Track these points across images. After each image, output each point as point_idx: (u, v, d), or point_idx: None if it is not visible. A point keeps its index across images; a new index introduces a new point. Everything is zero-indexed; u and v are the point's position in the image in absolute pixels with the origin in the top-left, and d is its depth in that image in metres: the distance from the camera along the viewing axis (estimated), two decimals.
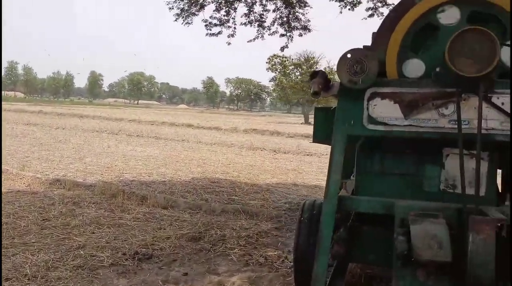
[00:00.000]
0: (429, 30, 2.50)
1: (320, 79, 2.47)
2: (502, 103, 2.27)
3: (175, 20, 8.03)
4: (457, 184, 2.51)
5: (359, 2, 7.79)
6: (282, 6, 8.13)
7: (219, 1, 8.13)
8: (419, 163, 2.56)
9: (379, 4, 7.64)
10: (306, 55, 43.33)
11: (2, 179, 6.87)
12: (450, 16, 2.45)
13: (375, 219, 2.62)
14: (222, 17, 8.18)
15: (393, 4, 7.04)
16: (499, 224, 2.12)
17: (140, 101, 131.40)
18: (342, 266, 2.95)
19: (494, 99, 2.28)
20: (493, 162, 2.48)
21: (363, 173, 2.68)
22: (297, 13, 8.02)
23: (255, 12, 8.33)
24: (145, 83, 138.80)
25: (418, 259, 2.19)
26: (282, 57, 42.78)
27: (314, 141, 2.92)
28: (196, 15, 7.98)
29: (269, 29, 8.23)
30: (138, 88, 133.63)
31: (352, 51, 2.38)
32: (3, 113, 27.50)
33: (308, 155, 14.27)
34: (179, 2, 8.09)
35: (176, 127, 25.26)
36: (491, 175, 2.47)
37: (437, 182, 2.54)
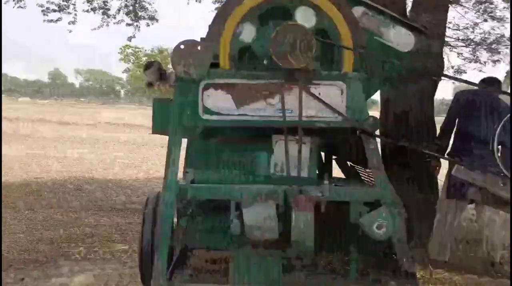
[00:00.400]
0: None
1: (154, 70, 2.47)
2: (319, 93, 2.54)
3: (5, 3, 7.20)
4: (285, 168, 2.73)
5: None
6: None
7: None
8: (252, 150, 2.73)
9: None
10: (160, 47, 42.54)
11: None
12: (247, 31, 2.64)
13: (215, 205, 2.72)
14: (61, 2, 7.59)
15: None
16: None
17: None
18: (184, 254, 3.01)
19: (312, 90, 2.54)
20: (315, 146, 2.76)
21: (201, 161, 2.76)
22: (143, 2, 7.82)
23: None
24: None
25: (252, 238, 2.36)
26: (135, 48, 41.33)
27: (153, 132, 2.90)
28: None
29: (115, 18, 7.88)
30: None
31: (185, 42, 2.42)
32: None
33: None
34: None
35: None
36: (313, 158, 2.75)
37: (269, 167, 2.73)
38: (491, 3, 7.09)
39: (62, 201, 6.17)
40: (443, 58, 4.34)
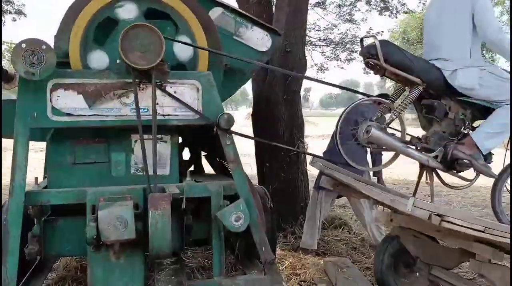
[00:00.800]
0: (112, 24, 2.62)
1: None
2: (175, 92, 2.58)
3: None
4: (144, 167, 2.71)
5: None
6: None
7: None
8: (109, 151, 2.67)
9: None
10: None
11: None
12: (128, 11, 2.64)
13: (72, 210, 2.62)
14: None
15: None
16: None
17: None
18: (40, 264, 2.86)
19: (168, 89, 2.57)
20: (174, 144, 2.79)
21: (55, 165, 2.64)
22: None
23: None
24: None
25: (106, 241, 2.31)
26: (10, 44, 37.84)
27: (3, 137, 2.71)
28: None
29: None
30: None
31: (27, 41, 2.29)
32: None
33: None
34: None
35: None
36: (174, 156, 2.78)
37: (128, 166, 2.71)
38: (348, 6, 7.85)
39: None
40: (306, 56, 4.65)
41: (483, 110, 2.84)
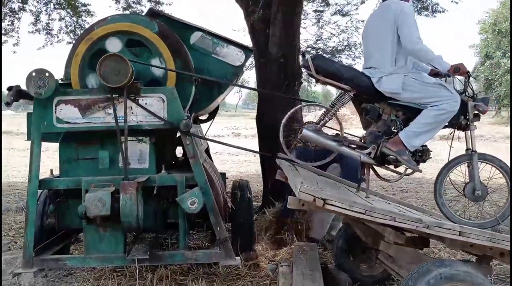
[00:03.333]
0: (103, 53, 3.44)
1: (13, 92, 3.24)
2: (146, 103, 3.32)
3: None
4: (131, 162, 3.49)
5: None
6: (67, 15, 8.62)
7: (3, 11, 8.23)
8: (102, 149, 3.49)
9: None
10: None
11: None
12: (113, 44, 3.45)
13: (78, 194, 3.47)
14: (7, 26, 8.32)
15: None
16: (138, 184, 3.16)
17: None
18: (53, 234, 3.75)
19: (140, 101, 3.32)
20: (152, 144, 3.52)
21: (64, 160, 3.52)
22: (83, 22, 8.57)
23: (42, 21, 8.66)
24: None
25: (90, 215, 3.12)
26: None
27: (28, 139, 3.65)
28: None
29: (57, 37, 8.64)
30: None
31: (36, 70, 3.19)
32: None
33: None
34: None
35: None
36: (151, 153, 3.52)
37: (112, 162, 3.48)
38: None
39: None
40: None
41: (415, 112, 3.19)
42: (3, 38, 8.28)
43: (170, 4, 8.98)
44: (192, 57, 3.83)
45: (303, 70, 3.39)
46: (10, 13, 8.30)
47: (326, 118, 3.30)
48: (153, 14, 3.94)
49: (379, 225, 2.84)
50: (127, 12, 8.34)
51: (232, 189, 4.28)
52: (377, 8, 3.55)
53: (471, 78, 3.18)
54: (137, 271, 3.52)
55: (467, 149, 3.16)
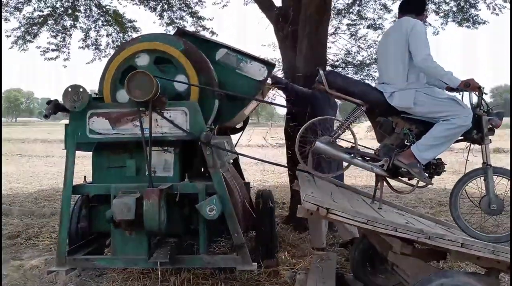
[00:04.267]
0: (133, 69, 3.73)
1: (52, 105, 3.57)
2: (170, 116, 3.56)
3: (10, 48, 8.68)
4: (157, 170, 3.74)
5: None
6: (114, 32, 9.16)
7: (56, 28, 8.88)
8: (130, 158, 3.75)
9: None
10: None
11: None
12: (143, 60, 3.73)
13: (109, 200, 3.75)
14: (59, 43, 8.96)
15: None
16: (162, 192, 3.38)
17: (18, 119, 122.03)
18: (87, 236, 4.04)
19: (165, 114, 3.57)
20: (177, 154, 3.75)
21: (97, 168, 3.81)
22: (129, 37, 9.06)
23: (91, 37, 9.25)
24: (23, 100, 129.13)
25: (116, 219, 3.37)
26: None
27: (65, 148, 3.98)
28: (32, 42, 8.66)
29: (105, 51, 9.20)
30: (15, 105, 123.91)
31: (71, 86, 3.51)
32: None
33: None
34: (17, 30, 8.69)
35: (47, 144, 24.75)
36: (176, 162, 3.74)
37: (143, 170, 3.73)
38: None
39: None
40: None
41: (428, 126, 3.25)
42: (55, 53, 8.91)
43: (211, 19, 9.38)
44: (217, 72, 4.07)
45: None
46: (62, 30, 8.92)
47: (340, 131, 3.41)
48: (181, 33, 4.22)
49: (387, 236, 2.91)
50: (170, 27, 8.80)
51: (255, 198, 4.45)
52: (391, 25, 3.63)
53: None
54: (159, 273, 3.73)
55: (483, 163, 3.17)
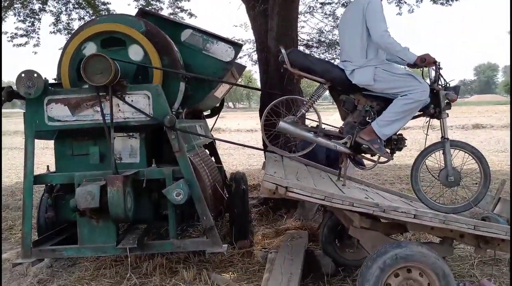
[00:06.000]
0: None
1: (5, 92, 3.45)
2: (132, 100, 3.48)
3: None
4: (122, 157, 3.67)
5: None
6: (86, 15, 8.93)
7: (24, 12, 8.60)
8: (93, 145, 3.67)
9: None
10: None
11: None
12: (90, 48, 3.64)
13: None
14: (28, 27, 8.70)
15: None
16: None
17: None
18: (55, 226, 3.98)
19: (126, 98, 3.48)
20: (143, 139, 3.67)
21: (61, 156, 3.72)
22: None
23: (62, 21, 9.00)
24: None
25: (79, 208, 3.30)
26: None
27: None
28: None
29: None
30: None
31: (25, 71, 3.40)
32: None
33: None
34: None
35: None
36: (142, 147, 3.67)
37: (107, 157, 3.64)
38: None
39: None
40: None
41: (388, 102, 3.23)
42: (24, 39, 8.65)
43: (188, 0, 9.22)
44: (182, 54, 3.99)
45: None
46: (31, 14, 8.65)
47: (303, 110, 3.38)
48: (143, 13, 4.11)
49: (348, 211, 2.92)
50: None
51: (228, 181, 4.42)
52: (350, 2, 3.58)
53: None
54: (129, 259, 3.70)
55: (441, 137, 3.18)
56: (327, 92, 3.44)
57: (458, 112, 28.46)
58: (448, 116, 3.16)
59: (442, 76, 3.15)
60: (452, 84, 3.17)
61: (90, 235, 3.53)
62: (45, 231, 3.89)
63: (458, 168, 3.13)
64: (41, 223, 4.03)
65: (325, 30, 8.07)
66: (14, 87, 3.49)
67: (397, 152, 3.34)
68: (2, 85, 3.52)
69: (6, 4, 8.24)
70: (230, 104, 75.44)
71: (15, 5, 8.41)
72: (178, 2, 9.10)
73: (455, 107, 3.47)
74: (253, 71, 24.58)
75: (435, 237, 3.29)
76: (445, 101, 3.13)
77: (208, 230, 3.52)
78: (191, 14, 9.14)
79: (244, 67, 5.30)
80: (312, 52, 7.84)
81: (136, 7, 9.14)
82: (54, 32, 9.13)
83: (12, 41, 8.62)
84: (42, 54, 9.17)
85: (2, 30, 8.46)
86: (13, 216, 6.10)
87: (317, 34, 8.06)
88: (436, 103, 3.13)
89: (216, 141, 5.33)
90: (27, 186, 3.51)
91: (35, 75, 3.40)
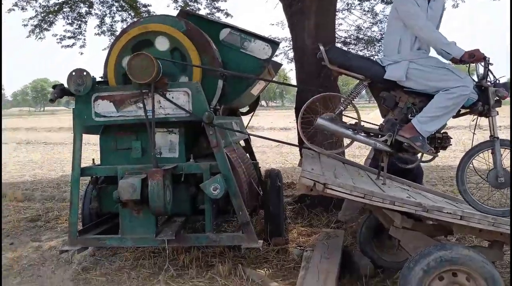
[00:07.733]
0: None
1: (57, 90, 3.64)
2: (172, 97, 3.59)
3: (27, 37, 8.82)
4: (162, 151, 3.78)
5: None
6: (128, 17, 9.21)
7: (72, 15, 8.97)
8: (136, 140, 3.80)
9: None
10: None
11: None
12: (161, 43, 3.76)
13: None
14: (75, 30, 9.07)
15: None
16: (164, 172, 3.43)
17: (46, 108, 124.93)
18: (99, 217, 4.15)
19: (167, 95, 3.59)
20: (182, 135, 3.78)
21: (104, 149, 3.89)
22: None
23: (106, 23, 9.33)
24: (50, 90, 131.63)
25: (122, 199, 3.44)
26: None
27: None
28: (48, 30, 8.79)
29: None
30: (42, 95, 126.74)
31: (75, 70, 3.57)
32: None
33: None
34: (33, 19, 8.81)
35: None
36: (181, 143, 3.77)
37: (148, 151, 3.77)
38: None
39: None
40: None
41: (431, 99, 3.17)
42: (71, 41, 9.03)
43: (225, 0, 9.34)
44: (221, 52, 4.06)
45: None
46: (78, 17, 9.02)
47: (342, 107, 3.37)
48: (184, 14, 4.22)
49: (389, 210, 2.89)
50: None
51: (264, 178, 4.47)
52: None
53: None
54: (167, 251, 3.80)
55: (490, 136, 3.09)
56: (363, 91, 3.42)
57: (506, 111, 27.31)
58: (498, 114, 3.05)
59: (491, 72, 3.05)
60: (502, 81, 3.07)
61: (131, 226, 3.66)
62: (89, 221, 4.07)
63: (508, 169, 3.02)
64: (86, 213, 4.22)
65: (364, 27, 7.99)
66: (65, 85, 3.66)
67: (441, 151, 3.27)
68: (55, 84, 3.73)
69: (56, 8, 8.62)
70: (263, 102, 75.40)
71: (64, 9, 8.77)
72: (215, 2, 9.23)
73: (504, 105, 3.35)
74: (288, 70, 24.52)
75: (484, 241, 3.19)
76: (495, 99, 3.02)
77: (244, 225, 3.57)
78: (227, 14, 9.25)
79: (281, 65, 5.33)
80: (350, 49, 7.77)
81: (175, 9, 9.34)
82: (98, 34, 9.45)
83: (61, 43, 9.00)
84: (87, 54, 9.51)
85: (52, 33, 8.86)
86: (59, 206, 6.38)
87: (355, 31, 7.98)
88: (485, 101, 3.04)
89: (251, 139, 5.41)
90: (75, 178, 3.68)
91: (85, 73, 3.57)
